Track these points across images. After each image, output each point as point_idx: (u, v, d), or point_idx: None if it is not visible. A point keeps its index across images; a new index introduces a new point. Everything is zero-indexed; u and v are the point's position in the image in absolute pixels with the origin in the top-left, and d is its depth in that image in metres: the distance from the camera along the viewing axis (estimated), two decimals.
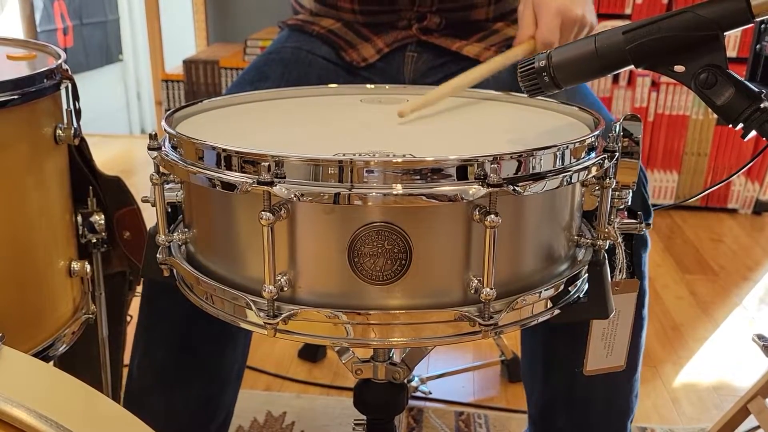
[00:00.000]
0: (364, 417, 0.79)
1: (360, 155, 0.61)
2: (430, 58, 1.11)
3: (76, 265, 0.87)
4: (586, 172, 0.64)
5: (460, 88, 0.87)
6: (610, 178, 0.67)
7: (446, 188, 0.57)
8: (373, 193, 0.56)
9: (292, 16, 1.21)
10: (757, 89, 0.63)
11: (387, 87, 0.95)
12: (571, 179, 0.63)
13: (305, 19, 1.16)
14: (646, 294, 0.99)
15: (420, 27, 1.10)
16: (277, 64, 1.11)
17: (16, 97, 0.73)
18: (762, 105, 0.62)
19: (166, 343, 1.02)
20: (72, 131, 0.83)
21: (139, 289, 1.05)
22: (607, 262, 0.72)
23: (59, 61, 0.81)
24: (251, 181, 0.58)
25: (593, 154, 0.66)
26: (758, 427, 1.14)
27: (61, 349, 0.85)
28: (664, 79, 2.44)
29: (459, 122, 0.84)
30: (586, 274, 0.71)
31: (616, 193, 0.69)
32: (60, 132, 0.82)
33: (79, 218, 0.90)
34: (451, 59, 1.09)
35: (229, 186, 0.60)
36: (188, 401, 1.04)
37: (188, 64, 2.84)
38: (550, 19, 0.91)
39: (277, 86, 1.06)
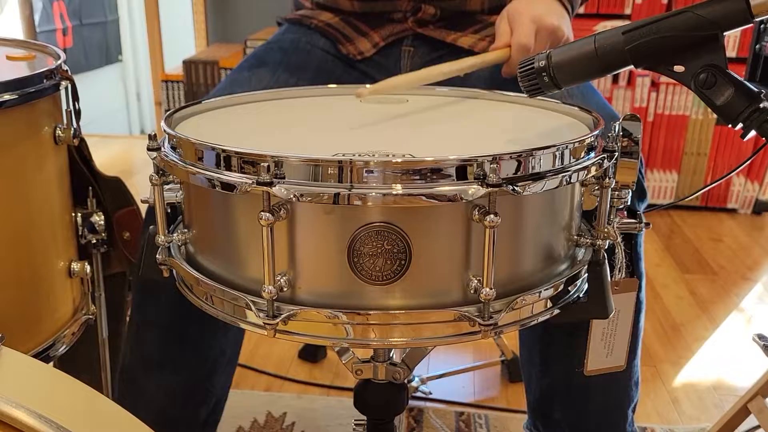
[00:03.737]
0: (365, 417, 0.79)
1: (359, 155, 0.61)
2: (426, 52, 1.12)
3: (76, 266, 0.87)
4: (586, 172, 0.64)
5: (426, 79, 0.89)
6: (609, 178, 0.67)
7: (446, 188, 0.57)
8: (373, 194, 0.56)
9: (292, 12, 1.22)
10: (756, 89, 0.63)
11: None
12: (570, 179, 0.63)
13: (304, 14, 1.18)
14: (643, 277, 0.99)
15: (415, 19, 1.11)
16: (276, 52, 1.13)
17: (15, 97, 0.73)
18: (761, 105, 0.62)
19: (156, 324, 1.03)
20: (71, 132, 0.83)
21: None
22: (606, 261, 0.72)
23: (59, 62, 0.81)
24: (251, 182, 0.58)
25: (593, 154, 0.66)
26: (758, 426, 1.14)
27: (61, 349, 0.85)
28: (663, 79, 2.44)
29: (458, 122, 0.84)
30: (586, 274, 0.71)
31: (616, 192, 0.69)
32: (59, 132, 0.82)
33: (79, 219, 0.90)
34: (447, 52, 1.10)
35: (229, 186, 0.60)
36: (177, 382, 1.05)
37: (188, 64, 2.84)
38: (526, 25, 0.94)
39: (276, 72, 1.07)
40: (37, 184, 0.80)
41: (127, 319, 1.07)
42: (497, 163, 0.57)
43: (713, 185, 2.61)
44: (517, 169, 0.59)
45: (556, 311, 0.68)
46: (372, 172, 0.57)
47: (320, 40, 1.14)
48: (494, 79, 1.00)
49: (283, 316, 0.61)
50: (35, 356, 0.80)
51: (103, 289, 0.98)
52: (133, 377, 1.05)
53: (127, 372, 1.06)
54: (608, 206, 0.69)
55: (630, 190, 0.70)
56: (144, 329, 1.04)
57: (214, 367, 1.07)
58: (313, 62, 1.12)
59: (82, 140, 0.88)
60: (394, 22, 1.13)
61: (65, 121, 0.84)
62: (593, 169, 0.65)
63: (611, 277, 0.74)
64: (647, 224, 0.74)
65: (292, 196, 0.57)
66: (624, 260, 0.76)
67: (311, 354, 1.62)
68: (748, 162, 2.58)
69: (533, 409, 1.12)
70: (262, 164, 0.57)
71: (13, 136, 0.75)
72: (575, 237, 0.70)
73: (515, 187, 0.58)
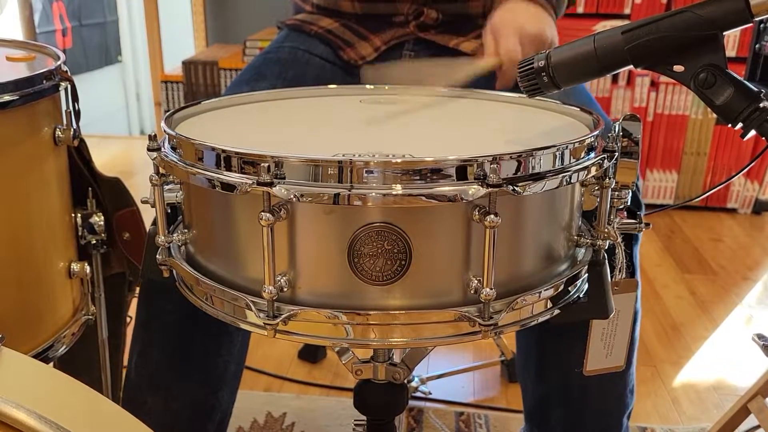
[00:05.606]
0: (365, 417, 0.79)
1: (359, 155, 0.61)
2: (427, 57, 1.11)
3: (75, 267, 0.87)
4: (586, 172, 0.64)
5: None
6: (609, 178, 0.67)
7: (446, 188, 0.57)
8: (373, 194, 0.56)
9: (292, 17, 1.21)
10: (756, 89, 0.63)
11: (386, 87, 0.95)
12: (570, 179, 0.63)
13: (304, 19, 1.17)
14: (639, 287, 0.99)
15: (417, 23, 1.11)
16: (274, 64, 1.12)
17: (15, 98, 0.73)
18: (761, 104, 0.62)
19: (161, 343, 1.03)
20: (71, 132, 0.83)
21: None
22: (606, 262, 0.72)
23: (58, 63, 0.81)
24: (251, 182, 0.58)
25: (593, 154, 0.66)
26: (758, 426, 1.14)
27: (60, 350, 0.85)
28: (663, 78, 2.44)
29: (458, 122, 0.84)
30: (586, 274, 0.71)
31: (616, 193, 0.69)
32: (59, 133, 0.82)
33: (79, 219, 0.90)
34: (449, 57, 1.10)
35: (229, 187, 0.60)
36: (184, 401, 1.05)
37: (187, 65, 2.84)
38: (509, 37, 0.95)
39: (274, 86, 1.06)
40: (36, 184, 0.80)
41: (128, 320, 1.07)
42: (497, 163, 0.57)
43: (718, 188, 2.61)
44: (517, 170, 0.59)
45: (557, 311, 0.68)
46: (372, 172, 0.57)
47: (319, 48, 1.13)
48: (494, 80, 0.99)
49: (283, 316, 0.61)
50: (35, 357, 0.80)
51: (102, 290, 0.98)
52: (139, 396, 1.04)
53: (133, 390, 1.05)
54: (608, 206, 0.69)
55: (630, 190, 0.70)
56: (149, 348, 1.03)
57: (220, 383, 1.07)
58: (312, 72, 1.11)
59: (82, 141, 0.88)
60: (396, 26, 1.12)
61: (65, 122, 0.84)
62: (593, 169, 0.65)
63: (611, 277, 0.74)
64: (647, 224, 0.74)
65: (292, 196, 0.57)
66: (624, 260, 0.76)
67: (311, 354, 1.62)
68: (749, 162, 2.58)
69: (529, 415, 1.12)
70: (262, 164, 0.57)
71: (13, 137, 0.75)
72: (575, 237, 0.70)
73: (515, 188, 0.58)
